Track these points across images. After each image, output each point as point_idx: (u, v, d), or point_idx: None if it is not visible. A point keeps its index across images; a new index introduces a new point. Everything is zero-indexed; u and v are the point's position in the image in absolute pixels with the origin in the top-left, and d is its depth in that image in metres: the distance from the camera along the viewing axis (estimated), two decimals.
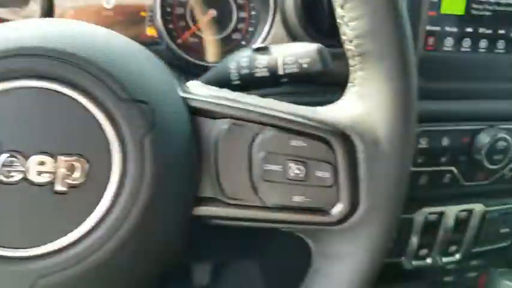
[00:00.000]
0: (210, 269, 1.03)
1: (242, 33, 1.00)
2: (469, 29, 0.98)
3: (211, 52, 0.97)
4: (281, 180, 0.44)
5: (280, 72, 0.62)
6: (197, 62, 0.90)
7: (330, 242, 0.46)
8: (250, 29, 0.99)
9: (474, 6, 0.96)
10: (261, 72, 0.63)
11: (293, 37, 0.89)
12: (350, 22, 0.45)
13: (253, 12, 0.99)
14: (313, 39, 0.86)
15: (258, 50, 0.63)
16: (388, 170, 0.43)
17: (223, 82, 0.67)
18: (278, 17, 0.90)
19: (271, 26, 0.90)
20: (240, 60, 0.64)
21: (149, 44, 0.93)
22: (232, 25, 0.98)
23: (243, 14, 0.99)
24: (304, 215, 0.44)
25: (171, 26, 0.94)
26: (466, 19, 0.97)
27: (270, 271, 1.07)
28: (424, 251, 1.05)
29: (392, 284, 1.03)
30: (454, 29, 0.97)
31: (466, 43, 0.99)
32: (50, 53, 0.38)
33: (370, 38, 0.44)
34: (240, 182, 0.45)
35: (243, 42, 1.00)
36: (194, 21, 0.96)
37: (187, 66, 0.91)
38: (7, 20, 0.84)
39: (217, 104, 0.48)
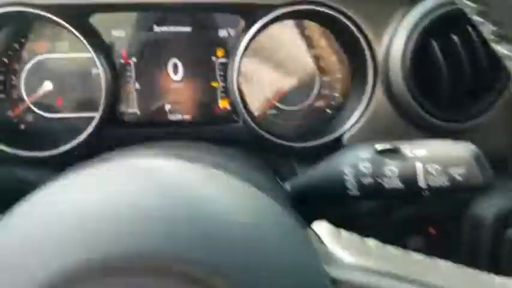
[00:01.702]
0: None
1: (326, 101, 0.87)
2: None
3: (291, 128, 0.85)
4: None
5: (422, 184, 0.47)
6: (281, 142, 0.78)
7: None
8: (335, 94, 0.87)
9: None
10: (392, 183, 0.49)
11: (400, 110, 0.75)
12: None
13: (339, 75, 0.86)
14: (428, 114, 0.71)
15: (385, 151, 0.49)
16: None
17: (333, 191, 0.53)
18: (380, 84, 0.76)
19: (371, 96, 0.76)
20: (359, 164, 0.51)
21: (223, 120, 0.85)
22: (314, 91, 0.86)
23: (327, 78, 0.86)
24: None
25: (244, 97, 0.83)
26: None
27: None
28: None
29: None
30: None
31: None
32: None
33: None
34: None
35: (329, 111, 0.87)
36: (272, 91, 0.85)
37: (267, 145, 0.79)
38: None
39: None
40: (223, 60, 0.83)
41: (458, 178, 0.45)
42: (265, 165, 0.61)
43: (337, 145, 0.78)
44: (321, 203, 0.56)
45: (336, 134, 0.77)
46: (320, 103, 0.87)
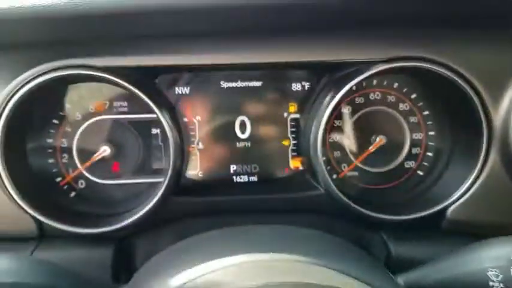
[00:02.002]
0: None
1: (418, 162, 0.74)
2: None
3: (379, 194, 0.73)
4: None
5: None
6: (372, 214, 0.64)
7: None
8: (429, 153, 0.73)
9: None
10: None
11: None
12: None
13: (432, 133, 0.73)
14: None
15: None
16: None
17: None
18: (495, 149, 0.62)
19: (483, 164, 0.62)
20: (510, 268, 0.37)
21: (297, 185, 0.73)
22: (404, 151, 0.74)
23: (419, 135, 0.74)
24: None
25: (323, 158, 0.72)
26: None
27: None
28: None
29: None
30: None
31: None
32: None
33: None
34: None
35: (421, 173, 0.74)
36: (356, 149, 0.74)
37: (352, 216, 0.66)
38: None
39: None
40: (296, 116, 0.75)
41: None
42: (370, 256, 0.49)
43: (438, 219, 0.65)
44: None
45: (439, 207, 0.63)
46: (410, 164, 0.74)
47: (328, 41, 0.64)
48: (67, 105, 0.73)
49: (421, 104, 0.73)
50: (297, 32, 0.64)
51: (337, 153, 0.74)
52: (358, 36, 0.64)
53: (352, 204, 0.64)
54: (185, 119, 0.74)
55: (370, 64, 0.63)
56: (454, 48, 0.62)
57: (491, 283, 0.38)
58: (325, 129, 0.64)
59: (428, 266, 0.44)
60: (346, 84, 0.63)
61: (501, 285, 0.37)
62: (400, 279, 0.44)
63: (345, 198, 0.64)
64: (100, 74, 0.63)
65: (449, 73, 0.61)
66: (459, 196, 0.63)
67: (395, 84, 0.73)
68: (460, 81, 0.61)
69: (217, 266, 0.39)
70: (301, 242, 0.45)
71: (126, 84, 0.64)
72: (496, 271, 0.37)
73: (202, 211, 0.70)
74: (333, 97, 0.63)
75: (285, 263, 0.38)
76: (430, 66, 0.61)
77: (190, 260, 0.42)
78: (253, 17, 0.59)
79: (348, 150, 0.74)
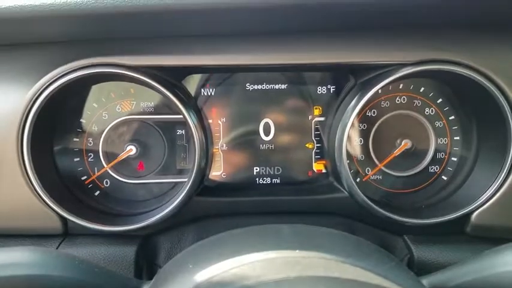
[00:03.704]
0: None
1: (442, 166, 0.77)
2: None
3: (403, 199, 0.76)
4: None
5: None
6: (396, 217, 0.68)
7: None
8: (453, 158, 0.77)
9: None
10: None
11: None
12: None
13: (457, 138, 0.76)
14: None
15: None
16: None
17: None
18: None
19: (510, 169, 0.65)
20: None
21: (321, 188, 0.77)
22: (429, 155, 0.77)
23: (444, 140, 0.77)
24: None
25: (347, 161, 0.76)
26: None
27: None
28: None
29: None
30: None
31: None
32: None
33: None
34: None
35: (445, 178, 0.77)
36: (379, 154, 0.77)
37: (375, 219, 0.70)
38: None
39: None
40: (320, 119, 0.78)
41: None
42: (394, 257, 0.52)
43: (462, 223, 0.68)
44: None
45: (464, 211, 0.66)
46: (435, 168, 0.78)
47: (354, 43, 0.67)
48: (94, 105, 0.77)
49: (447, 108, 0.77)
50: (323, 34, 0.68)
51: (361, 157, 0.78)
52: (385, 39, 0.67)
53: (376, 207, 0.67)
54: (210, 121, 0.78)
55: (397, 67, 0.66)
56: (482, 51, 0.65)
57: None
58: (349, 133, 0.68)
59: (453, 269, 0.47)
60: (372, 87, 0.66)
61: None
62: (425, 282, 0.47)
63: (368, 201, 0.67)
64: (128, 73, 0.66)
65: (477, 76, 0.64)
66: (484, 201, 0.66)
67: (422, 89, 0.77)
68: (488, 84, 0.64)
69: (243, 261, 0.41)
70: (327, 241, 0.48)
71: (154, 83, 0.67)
72: None
73: (225, 211, 0.74)
74: (358, 101, 0.67)
75: (314, 259, 0.41)
76: (458, 69, 0.64)
77: (215, 256, 0.44)
78: (280, 18, 0.62)
79: (372, 154, 0.77)
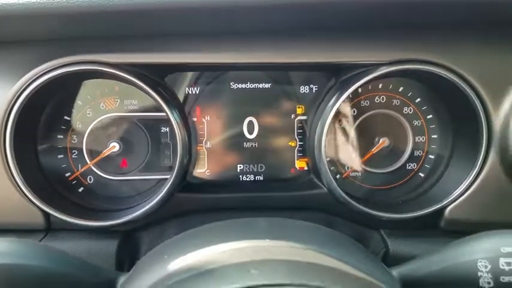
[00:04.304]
0: None
1: (420, 164, 0.81)
2: None
3: (380, 195, 0.80)
4: None
5: None
6: (372, 212, 0.71)
7: None
8: (431, 156, 0.80)
9: None
10: None
11: None
12: None
13: (434, 136, 0.80)
14: None
15: None
16: None
17: (461, 287, 0.46)
18: (494, 150, 0.69)
19: (482, 165, 0.69)
20: (498, 260, 0.44)
21: (301, 184, 0.80)
22: (406, 153, 0.81)
23: (421, 138, 0.81)
24: None
25: (327, 159, 0.79)
26: None
27: None
28: None
29: None
30: None
31: None
32: None
33: None
34: None
35: (422, 175, 0.81)
36: (360, 151, 0.81)
37: (353, 214, 0.73)
38: None
39: None
40: (303, 117, 0.81)
41: None
42: (367, 250, 0.55)
43: (436, 218, 0.72)
44: None
45: (437, 206, 0.70)
46: (413, 166, 0.81)
47: (335, 44, 0.71)
48: (78, 102, 0.79)
49: (424, 107, 0.80)
50: (305, 34, 0.71)
51: (341, 154, 0.81)
52: (365, 39, 0.70)
53: (354, 203, 0.70)
54: (194, 119, 0.81)
55: (375, 67, 0.69)
56: (458, 52, 0.68)
57: (479, 273, 0.44)
58: (329, 131, 0.70)
59: (422, 259, 0.50)
60: (350, 86, 0.69)
61: (489, 275, 0.44)
62: (395, 272, 0.51)
63: (346, 197, 0.70)
64: (111, 71, 0.68)
65: (452, 76, 0.68)
66: (457, 196, 0.70)
67: (401, 88, 0.80)
68: (462, 84, 0.68)
69: (214, 251, 0.44)
70: (300, 232, 0.51)
71: (136, 81, 0.69)
72: (485, 262, 0.44)
73: (208, 208, 0.77)
74: (337, 99, 0.70)
75: (281, 248, 0.44)
76: (433, 69, 0.68)
77: (189, 247, 0.46)
78: (263, 17, 0.64)
79: (352, 152, 0.81)
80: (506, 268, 0.43)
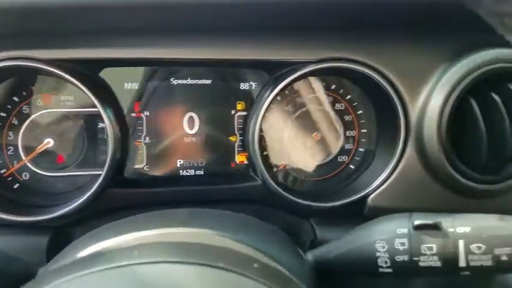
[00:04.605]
0: None
1: (350, 156, 0.87)
2: None
3: (313, 185, 0.85)
4: None
5: (462, 264, 0.46)
6: (300, 201, 0.76)
7: None
8: (360, 149, 0.87)
9: None
10: (429, 261, 0.47)
11: (432, 171, 0.74)
12: None
13: (364, 130, 0.86)
14: (465, 177, 0.70)
15: (422, 227, 0.48)
16: None
17: (363, 267, 0.52)
18: (411, 144, 0.76)
19: (401, 156, 0.75)
20: (394, 240, 0.49)
21: (239, 177, 0.84)
22: (338, 146, 0.86)
23: (352, 133, 0.87)
24: None
25: (265, 152, 0.84)
26: None
27: None
28: None
29: None
30: None
31: None
32: None
33: None
34: None
35: (352, 166, 0.87)
36: (293, 145, 0.85)
37: (285, 204, 0.78)
38: None
39: None
40: (243, 113, 0.84)
41: (505, 258, 0.43)
42: (283, 233, 0.60)
43: (361, 206, 0.77)
44: (349, 277, 0.55)
45: (360, 195, 0.76)
46: (343, 158, 0.87)
47: (268, 42, 0.75)
48: (14, 99, 0.78)
49: (355, 104, 0.86)
50: (240, 32, 0.74)
51: (278, 148, 0.85)
52: (296, 39, 0.75)
53: (285, 194, 0.75)
54: (133, 114, 0.82)
55: (303, 64, 0.74)
56: (376, 49, 0.74)
57: (377, 254, 0.50)
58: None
59: (334, 242, 0.55)
60: (279, 83, 0.74)
61: (386, 255, 0.49)
62: (310, 255, 0.55)
63: (278, 188, 0.75)
64: (42, 67, 0.68)
65: (372, 73, 0.73)
66: (378, 185, 0.76)
67: (333, 86, 0.85)
68: (381, 80, 0.73)
69: (125, 239, 0.47)
70: (219, 221, 0.55)
71: (68, 77, 0.69)
72: (383, 243, 0.50)
73: (145, 202, 0.78)
74: (268, 96, 0.74)
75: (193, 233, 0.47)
76: (355, 66, 0.73)
77: (106, 235, 0.49)
78: (198, 14, 0.67)
79: (287, 146, 0.85)
80: (401, 248, 0.48)
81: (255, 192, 0.80)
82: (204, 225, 0.49)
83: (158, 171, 0.85)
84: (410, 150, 0.75)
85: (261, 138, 0.81)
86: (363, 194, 0.76)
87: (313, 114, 0.85)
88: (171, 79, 0.83)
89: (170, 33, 0.73)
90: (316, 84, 0.85)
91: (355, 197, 0.76)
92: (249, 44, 0.75)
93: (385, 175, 0.75)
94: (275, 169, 0.85)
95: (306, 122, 0.85)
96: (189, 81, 0.84)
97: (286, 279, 0.44)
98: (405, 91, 0.74)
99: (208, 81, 0.84)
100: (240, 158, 0.86)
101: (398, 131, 0.74)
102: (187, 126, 0.84)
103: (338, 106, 0.86)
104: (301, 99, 0.85)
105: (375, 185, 0.76)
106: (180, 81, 0.84)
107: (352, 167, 0.87)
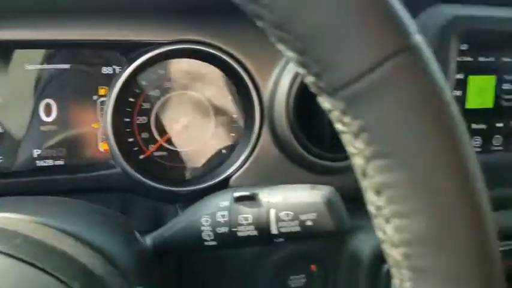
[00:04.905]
0: None
1: (222, 142, 0.88)
2: (500, 124, 0.89)
3: (181, 171, 0.85)
4: None
5: (274, 231, 0.48)
6: (161, 187, 0.76)
7: None
8: (232, 134, 0.88)
9: (506, 96, 0.87)
10: (246, 231, 0.49)
11: (285, 151, 0.77)
12: (393, 218, 0.29)
13: (234, 115, 0.88)
14: (312, 155, 0.75)
15: (241, 199, 0.50)
16: None
17: (191, 242, 0.52)
18: (266, 126, 0.78)
19: (258, 138, 0.78)
20: (216, 213, 0.51)
21: (99, 165, 0.81)
22: (209, 132, 0.87)
23: (223, 118, 0.88)
24: None
25: (131, 139, 0.82)
26: (496, 113, 0.88)
27: None
28: None
29: None
30: (482, 126, 0.87)
31: (497, 141, 0.89)
32: None
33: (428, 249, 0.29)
34: None
35: (224, 151, 0.88)
36: (161, 131, 0.84)
37: (147, 191, 0.77)
38: None
39: None
40: (105, 99, 0.82)
41: (310, 224, 0.46)
42: (123, 221, 0.59)
43: (225, 188, 0.77)
44: (184, 253, 0.56)
45: (222, 177, 0.77)
46: (214, 144, 0.88)
47: (123, 22, 0.73)
48: None
49: (225, 88, 0.87)
50: (95, 11, 0.72)
51: (145, 134, 0.84)
52: (152, 19, 0.74)
53: (147, 181, 0.74)
54: None
55: (157, 45, 0.74)
56: (228, 32, 0.75)
57: (202, 228, 0.51)
58: (113, 110, 0.73)
59: (169, 222, 0.56)
60: (131, 65, 0.73)
61: (209, 228, 0.51)
62: (148, 239, 0.56)
63: (137, 175, 0.73)
64: None
65: (224, 56, 0.75)
66: (238, 167, 0.78)
67: (203, 71, 0.86)
68: (233, 63, 0.75)
69: None
70: (47, 207, 0.53)
71: None
72: (207, 217, 0.51)
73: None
74: (118, 79, 0.73)
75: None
76: (205, 48, 0.74)
77: None
78: None
79: (154, 131, 0.84)
80: (222, 220, 0.50)
81: (117, 180, 0.78)
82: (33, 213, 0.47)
83: (12, 163, 0.79)
84: (265, 131, 0.78)
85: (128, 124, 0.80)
86: (224, 175, 0.77)
87: (183, 98, 0.85)
88: (25, 65, 0.77)
89: (23, 14, 0.68)
90: (186, 66, 0.85)
91: (217, 179, 0.77)
92: (103, 25, 0.72)
93: (243, 157, 0.77)
94: (142, 156, 0.84)
95: (175, 107, 0.84)
96: (45, 66, 0.79)
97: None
98: (257, 73, 0.76)
99: (67, 66, 0.80)
100: (103, 146, 0.83)
101: (253, 112, 0.76)
102: (44, 114, 0.80)
103: (208, 91, 0.87)
104: (170, 84, 0.84)
105: (235, 167, 0.77)
106: (35, 67, 0.78)
107: (224, 151, 0.88)
